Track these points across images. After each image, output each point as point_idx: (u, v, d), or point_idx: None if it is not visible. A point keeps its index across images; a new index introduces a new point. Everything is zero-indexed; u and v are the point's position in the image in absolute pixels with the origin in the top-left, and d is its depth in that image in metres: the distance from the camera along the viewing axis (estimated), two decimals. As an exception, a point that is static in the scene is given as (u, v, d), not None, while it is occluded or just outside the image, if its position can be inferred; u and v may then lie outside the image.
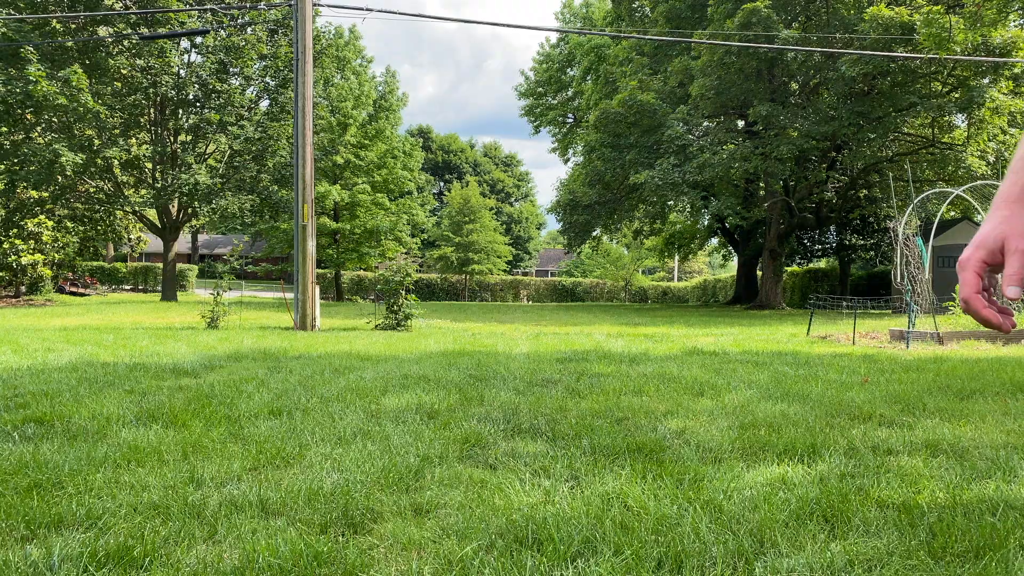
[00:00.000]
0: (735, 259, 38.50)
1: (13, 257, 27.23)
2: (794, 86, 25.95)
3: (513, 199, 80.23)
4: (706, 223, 35.71)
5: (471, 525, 2.63)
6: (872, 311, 20.30)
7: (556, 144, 46.89)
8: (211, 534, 2.57)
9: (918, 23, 18.30)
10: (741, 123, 27.56)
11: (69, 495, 2.97)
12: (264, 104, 31.44)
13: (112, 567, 2.27)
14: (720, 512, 2.77)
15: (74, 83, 24.22)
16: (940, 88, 22.71)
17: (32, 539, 2.52)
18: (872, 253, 33.64)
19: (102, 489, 3.04)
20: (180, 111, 29.64)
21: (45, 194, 26.73)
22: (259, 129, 29.50)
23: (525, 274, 73.29)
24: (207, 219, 32.82)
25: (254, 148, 29.65)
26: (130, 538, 2.49)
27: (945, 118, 24.02)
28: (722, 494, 2.98)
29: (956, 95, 22.01)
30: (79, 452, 3.62)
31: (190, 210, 30.39)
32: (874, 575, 2.24)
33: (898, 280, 11.02)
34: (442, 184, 75.79)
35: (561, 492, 3.02)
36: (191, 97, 29.28)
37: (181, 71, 29.08)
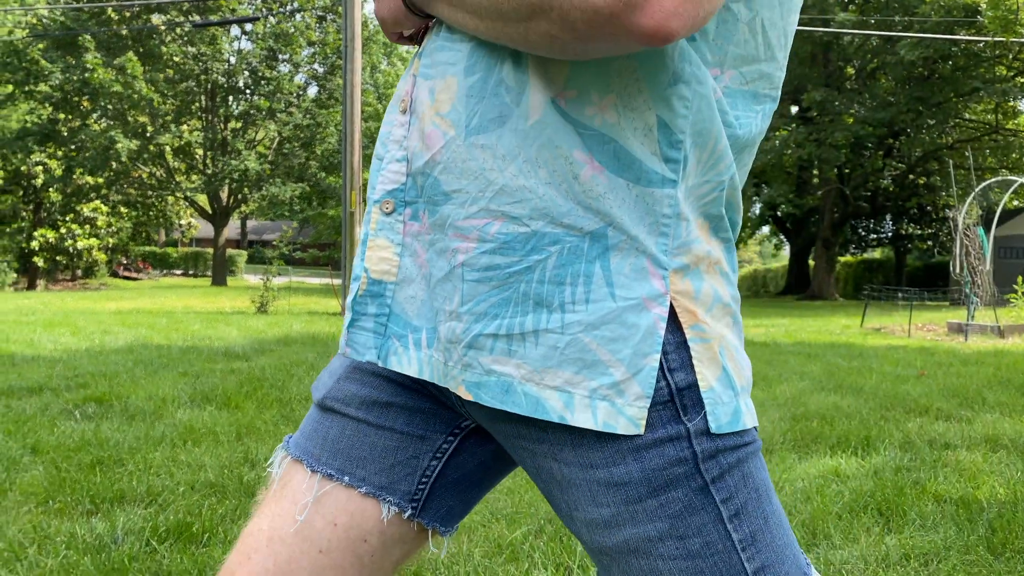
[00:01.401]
0: (786, 248, 37.86)
1: (70, 242, 28.00)
2: (850, 71, 25.36)
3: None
4: (757, 211, 35.16)
5: (520, 510, 2.65)
6: (929, 303, 19.84)
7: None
8: (266, 513, 2.63)
9: (983, 5, 17.72)
10: (795, 108, 27.04)
11: (130, 472, 3.05)
12: (312, 91, 31.79)
13: (172, 542, 2.33)
14: (772, 503, 2.74)
15: (129, 71, 24.76)
16: (1005, 72, 22.00)
17: (97, 513, 2.60)
18: (930, 243, 32.75)
19: (160, 467, 3.13)
20: (230, 98, 30.12)
21: (100, 180, 27.41)
22: (307, 116, 29.84)
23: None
24: (256, 205, 33.37)
25: (303, 135, 30.00)
26: (188, 515, 2.56)
27: (1010, 103, 23.28)
28: (774, 485, 2.95)
29: (1022, 80, 21.29)
30: (137, 431, 3.73)
31: (240, 196, 30.91)
32: (931, 569, 2.20)
33: (957, 271, 10.73)
34: (487, 171, 75.88)
35: (610, 479, 3.02)
36: (241, 84, 29.73)
37: (231, 58, 29.53)
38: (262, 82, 29.52)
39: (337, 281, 15.78)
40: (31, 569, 2.12)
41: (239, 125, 30.75)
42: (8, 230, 26.80)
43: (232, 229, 58.96)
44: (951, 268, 11.05)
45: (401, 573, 2.13)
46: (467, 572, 2.14)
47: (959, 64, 21.22)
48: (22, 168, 26.32)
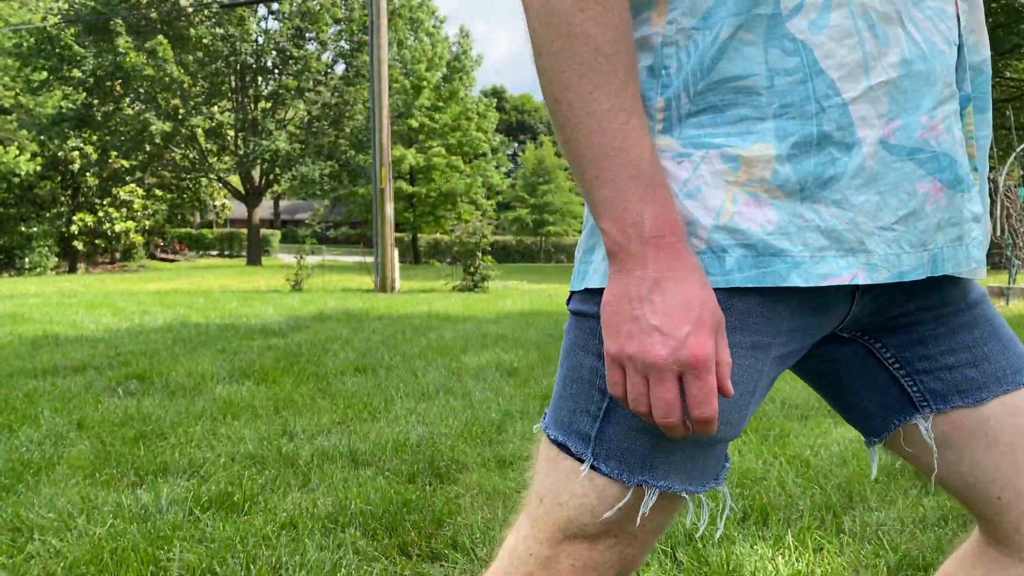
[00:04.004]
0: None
1: (108, 225, 28.51)
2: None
3: (588, 159, 79.31)
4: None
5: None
6: (966, 267, 19.40)
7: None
8: (305, 482, 2.68)
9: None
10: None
11: (172, 445, 3.13)
12: (340, 69, 31.83)
13: (215, 511, 2.39)
14: (807, 467, 2.73)
15: (160, 54, 24.99)
16: (1046, 29, 21.29)
17: (141, 485, 2.67)
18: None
19: (201, 440, 3.20)
20: (259, 78, 30.28)
21: (135, 163, 27.81)
22: (336, 94, 29.93)
23: (600, 234, 72.64)
24: (288, 185, 33.64)
25: (331, 113, 30.11)
26: (230, 485, 2.62)
27: (1050, 61, 22.55)
28: (808, 450, 2.94)
29: (1063, 35, 20.62)
30: (178, 406, 3.81)
31: (271, 176, 31.18)
32: (969, 529, 2.18)
33: (998, 234, 10.50)
34: (516, 145, 75.56)
35: (643, 446, 3.02)
36: (269, 64, 29.86)
37: (259, 38, 29.65)
38: (290, 61, 29.64)
39: (369, 259, 15.90)
40: (80, 537, 2.19)
41: (269, 105, 30.95)
42: (48, 215, 27.35)
43: (265, 209, 59.52)
44: (992, 231, 10.81)
45: (435, 537, 2.16)
46: (503, 537, 2.17)
47: (999, 21, 20.58)
48: (59, 154, 26.79)
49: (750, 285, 0.73)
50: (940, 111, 0.75)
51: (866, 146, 0.72)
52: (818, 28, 0.72)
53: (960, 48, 0.79)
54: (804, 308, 0.78)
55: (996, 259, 15.23)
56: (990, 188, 10.98)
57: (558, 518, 0.81)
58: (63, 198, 28.36)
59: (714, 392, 0.69)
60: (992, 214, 10.85)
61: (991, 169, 12.60)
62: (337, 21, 30.20)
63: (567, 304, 0.84)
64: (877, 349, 0.89)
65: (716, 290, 0.73)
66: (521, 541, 0.84)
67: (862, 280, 0.73)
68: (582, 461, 0.79)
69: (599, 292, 0.78)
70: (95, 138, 26.93)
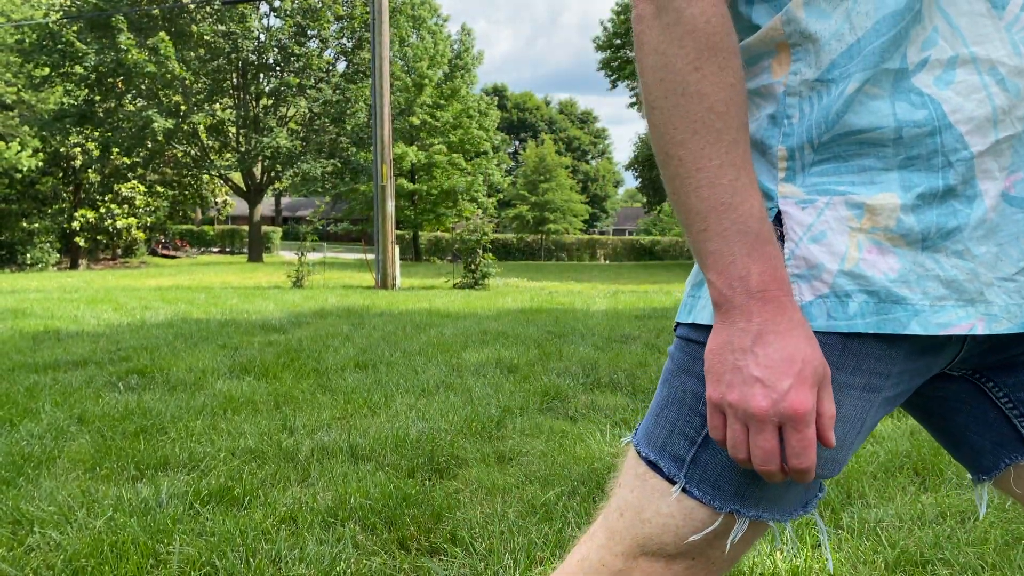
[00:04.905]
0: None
1: (109, 221, 28.54)
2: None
3: (589, 156, 79.38)
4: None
5: (553, 472, 2.68)
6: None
7: (635, 99, 45.94)
8: (304, 477, 2.69)
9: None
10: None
11: (172, 440, 3.14)
12: (341, 66, 31.82)
13: (215, 505, 2.40)
14: (805, 464, 2.74)
15: (162, 51, 24.99)
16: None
17: (142, 478, 2.68)
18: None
19: (202, 435, 3.21)
20: (261, 75, 30.28)
21: (137, 159, 27.82)
22: (337, 91, 29.92)
23: (602, 233, 72.70)
24: (289, 182, 33.64)
25: (332, 110, 30.11)
26: (230, 479, 2.62)
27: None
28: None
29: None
30: (179, 401, 3.82)
31: (273, 173, 31.18)
32: (967, 527, 2.19)
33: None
34: (517, 143, 75.50)
35: (642, 443, 3.03)
36: (271, 61, 29.86)
37: (261, 35, 29.65)
38: (291, 58, 29.63)
39: (370, 256, 15.90)
40: (80, 530, 2.19)
41: (270, 102, 30.94)
42: (50, 211, 27.37)
43: (267, 206, 59.53)
44: None
45: (434, 532, 2.17)
46: (501, 531, 2.18)
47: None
48: (61, 150, 26.81)
49: (872, 331, 0.74)
50: None
51: (988, 198, 0.74)
52: (944, 84, 0.73)
53: None
54: (917, 352, 0.79)
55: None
56: None
57: (638, 534, 0.81)
58: (65, 194, 28.38)
59: (812, 444, 0.71)
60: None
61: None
62: (339, 18, 30.20)
63: (675, 329, 0.86)
64: (989, 388, 0.88)
65: (836, 334, 0.75)
66: (595, 550, 0.85)
67: (981, 331, 0.74)
68: (673, 482, 0.80)
69: (706, 327, 0.79)
70: (97, 134, 26.93)
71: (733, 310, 0.71)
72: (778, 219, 0.77)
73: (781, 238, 0.76)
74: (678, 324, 0.85)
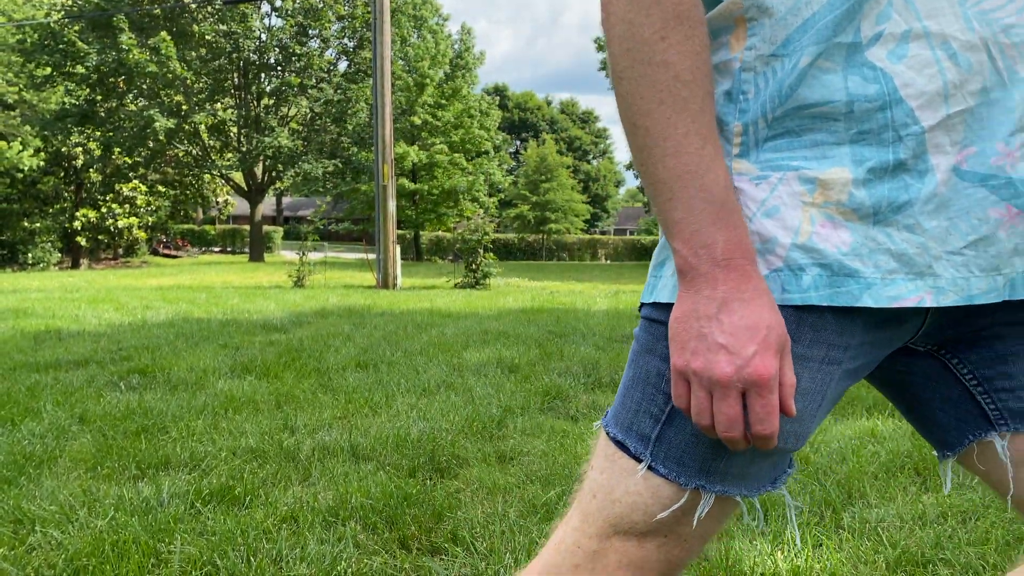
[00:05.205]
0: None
1: (111, 221, 28.56)
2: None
3: (591, 156, 79.36)
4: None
5: (554, 472, 2.68)
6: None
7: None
8: (305, 476, 2.69)
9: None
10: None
11: (173, 439, 3.14)
12: (342, 66, 31.82)
13: (216, 504, 2.40)
14: (807, 464, 2.74)
15: (163, 51, 24.99)
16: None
17: (143, 478, 2.68)
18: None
19: (203, 434, 3.21)
20: (262, 75, 30.28)
21: (138, 159, 27.83)
22: (338, 91, 29.92)
23: (603, 233, 72.66)
24: (290, 182, 33.66)
25: (334, 110, 30.11)
26: (231, 479, 2.63)
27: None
28: (809, 446, 2.94)
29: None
30: (180, 401, 3.82)
31: (274, 173, 31.19)
32: (968, 527, 2.19)
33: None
34: (518, 143, 75.47)
35: (643, 442, 3.03)
36: (272, 61, 29.86)
37: (262, 35, 29.65)
38: (293, 58, 29.63)
39: (371, 255, 15.90)
40: (81, 529, 2.20)
41: (271, 102, 30.94)
42: (51, 211, 27.39)
43: (268, 206, 59.53)
44: None
45: (435, 531, 2.17)
46: (502, 531, 2.18)
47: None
48: (62, 149, 26.82)
49: (825, 304, 0.74)
50: (1018, 138, 0.74)
51: (940, 173, 0.74)
52: (897, 58, 0.73)
53: None
54: (875, 324, 0.79)
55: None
56: None
57: (610, 514, 0.82)
58: (66, 194, 28.40)
59: (776, 410, 0.71)
60: None
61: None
62: (340, 18, 30.20)
63: (639, 310, 0.87)
64: (954, 365, 0.88)
65: (791, 307, 0.75)
66: (570, 533, 0.85)
67: (928, 303, 0.74)
68: (639, 460, 0.81)
69: (668, 306, 0.80)
70: (98, 134, 26.95)
71: (698, 278, 0.72)
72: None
73: None
74: (642, 305, 0.86)
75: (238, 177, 32.86)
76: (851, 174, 0.73)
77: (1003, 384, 0.87)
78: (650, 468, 0.80)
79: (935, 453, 0.95)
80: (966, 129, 0.74)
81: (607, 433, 0.85)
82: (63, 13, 26.32)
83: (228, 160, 29.94)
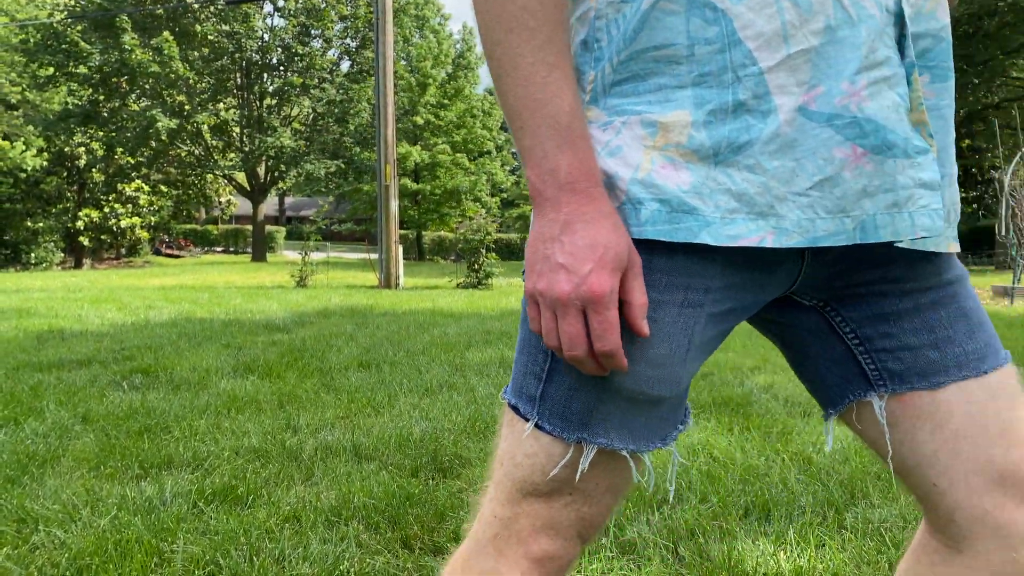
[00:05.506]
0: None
1: (113, 221, 28.59)
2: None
3: (592, 157, 79.21)
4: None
5: (557, 472, 2.67)
6: (973, 267, 19.41)
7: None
8: (308, 476, 2.69)
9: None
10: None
11: (176, 439, 3.14)
12: (345, 65, 31.83)
13: (219, 504, 2.40)
14: (809, 464, 2.74)
15: (165, 51, 25.02)
16: (1053, 28, 21.20)
17: (145, 477, 2.69)
18: (974, 206, 31.91)
19: (205, 434, 3.21)
20: (264, 75, 30.31)
21: (140, 159, 27.86)
22: (340, 91, 29.92)
23: (605, 232, 72.43)
24: (293, 182, 33.68)
25: (336, 110, 30.11)
26: (233, 478, 2.63)
27: (1057, 60, 22.44)
28: (811, 447, 2.94)
29: (1070, 35, 20.53)
30: (183, 400, 3.82)
31: (276, 173, 31.21)
32: (973, 528, 2.18)
33: (1002, 234, 10.46)
34: (521, 143, 75.23)
35: (646, 442, 3.03)
36: (274, 61, 29.88)
37: (265, 35, 29.67)
38: (295, 58, 29.65)
39: (373, 255, 15.91)
40: (85, 529, 2.20)
41: (274, 102, 30.96)
42: (54, 211, 27.42)
43: (270, 206, 59.60)
44: (996, 231, 10.78)
45: (437, 531, 2.16)
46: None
47: (1006, 19, 20.50)
48: (65, 149, 26.85)
49: (662, 239, 0.74)
50: (864, 76, 0.73)
51: (782, 113, 0.73)
52: None
53: (900, 14, 0.76)
54: (737, 267, 0.79)
55: (1001, 258, 15.17)
56: (995, 188, 10.95)
57: (515, 478, 0.83)
58: (69, 194, 28.43)
59: (613, 327, 0.72)
60: (997, 213, 10.82)
61: (996, 169, 12.56)
62: (342, 18, 30.21)
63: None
64: (837, 323, 0.88)
65: (643, 252, 0.76)
66: (487, 504, 0.87)
67: (770, 243, 0.74)
68: (529, 420, 0.82)
69: None
70: (101, 134, 26.98)
71: (545, 203, 0.73)
72: None
73: None
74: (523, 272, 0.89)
75: (240, 177, 32.88)
76: (691, 116, 0.74)
77: (883, 344, 0.86)
78: (538, 427, 0.81)
79: (822, 413, 0.95)
80: (812, 69, 0.73)
81: (504, 400, 0.86)
82: (66, 13, 26.35)
83: (231, 160, 29.96)
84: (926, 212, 0.77)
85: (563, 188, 0.73)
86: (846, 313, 0.87)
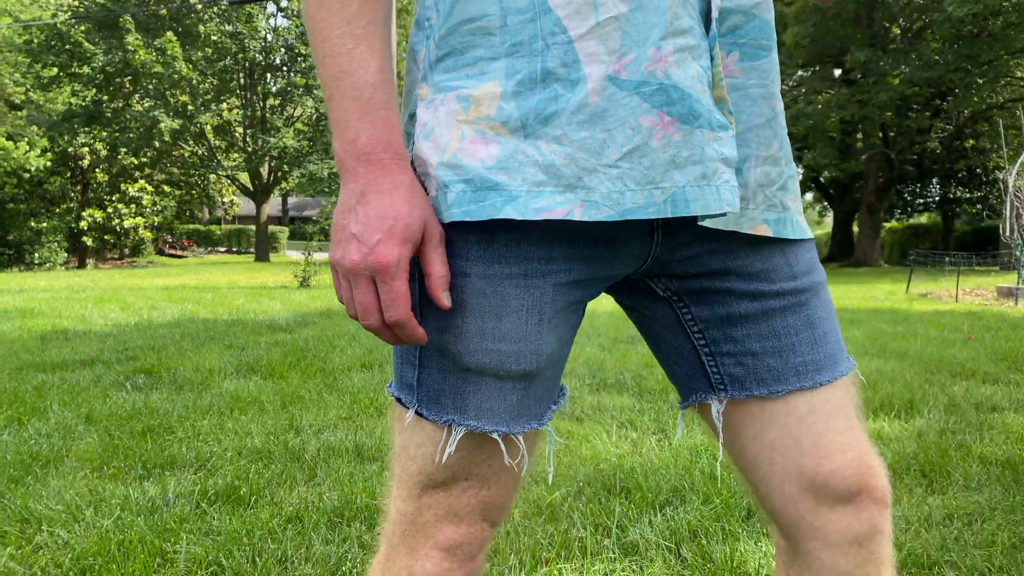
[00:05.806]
0: (830, 215, 37.10)
1: (117, 221, 28.62)
2: (896, 30, 24.62)
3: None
4: (800, 177, 34.37)
5: (559, 473, 2.67)
6: (978, 267, 19.36)
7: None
8: (311, 476, 2.69)
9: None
10: (838, 72, 26.34)
11: (179, 439, 3.15)
12: (348, 66, 31.82)
13: (221, 504, 2.41)
14: (812, 465, 2.73)
15: (169, 51, 25.06)
16: (1058, 27, 21.13)
17: (148, 478, 2.69)
18: (979, 207, 31.84)
19: (208, 434, 3.22)
20: (268, 75, 30.33)
21: (144, 159, 27.90)
22: (344, 92, 29.90)
23: (608, 233, 72.42)
24: (296, 182, 33.70)
25: (339, 111, 30.08)
26: (236, 479, 2.63)
27: (1063, 60, 22.38)
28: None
29: (1075, 34, 20.47)
30: (186, 401, 3.83)
31: (279, 173, 31.24)
32: (974, 529, 2.18)
33: (1007, 234, 10.44)
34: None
35: (648, 444, 3.03)
36: (278, 61, 29.90)
37: (268, 36, 29.69)
38: (298, 59, 29.65)
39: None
40: (88, 529, 2.20)
41: (277, 102, 30.97)
42: (58, 211, 27.46)
43: (273, 206, 59.66)
44: (1001, 231, 10.76)
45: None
46: (507, 532, 2.18)
47: (1010, 20, 20.44)
48: (69, 150, 26.89)
49: (465, 219, 0.74)
50: (669, 43, 0.73)
51: (591, 82, 0.72)
52: None
53: None
54: (578, 238, 0.78)
55: (1006, 259, 15.13)
56: (1000, 189, 10.93)
57: (412, 471, 0.83)
58: (73, 194, 28.47)
59: (401, 297, 0.72)
60: (1002, 214, 10.79)
61: (1001, 169, 12.51)
62: (346, 18, 30.20)
63: None
64: (687, 320, 0.87)
65: (471, 233, 0.76)
66: (393, 503, 0.87)
67: (578, 216, 0.73)
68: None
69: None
70: (104, 134, 27.01)
71: (346, 173, 0.74)
72: (413, 120, 0.79)
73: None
74: None
75: (244, 177, 32.91)
76: (501, 87, 0.73)
77: (728, 348, 0.85)
78: (418, 414, 0.81)
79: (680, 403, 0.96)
80: (623, 36, 0.72)
81: (389, 393, 0.86)
82: (69, 14, 26.39)
83: (234, 160, 29.99)
84: (729, 187, 0.76)
85: (360, 159, 0.73)
86: (696, 312, 0.86)
